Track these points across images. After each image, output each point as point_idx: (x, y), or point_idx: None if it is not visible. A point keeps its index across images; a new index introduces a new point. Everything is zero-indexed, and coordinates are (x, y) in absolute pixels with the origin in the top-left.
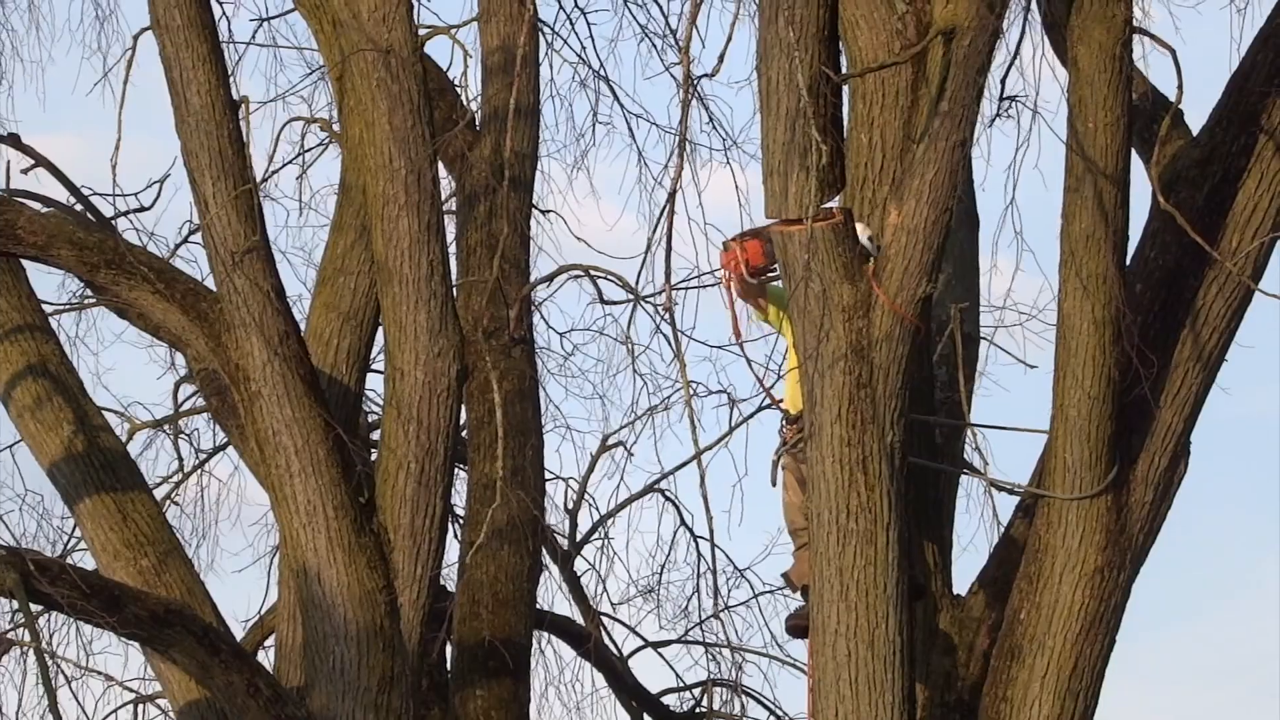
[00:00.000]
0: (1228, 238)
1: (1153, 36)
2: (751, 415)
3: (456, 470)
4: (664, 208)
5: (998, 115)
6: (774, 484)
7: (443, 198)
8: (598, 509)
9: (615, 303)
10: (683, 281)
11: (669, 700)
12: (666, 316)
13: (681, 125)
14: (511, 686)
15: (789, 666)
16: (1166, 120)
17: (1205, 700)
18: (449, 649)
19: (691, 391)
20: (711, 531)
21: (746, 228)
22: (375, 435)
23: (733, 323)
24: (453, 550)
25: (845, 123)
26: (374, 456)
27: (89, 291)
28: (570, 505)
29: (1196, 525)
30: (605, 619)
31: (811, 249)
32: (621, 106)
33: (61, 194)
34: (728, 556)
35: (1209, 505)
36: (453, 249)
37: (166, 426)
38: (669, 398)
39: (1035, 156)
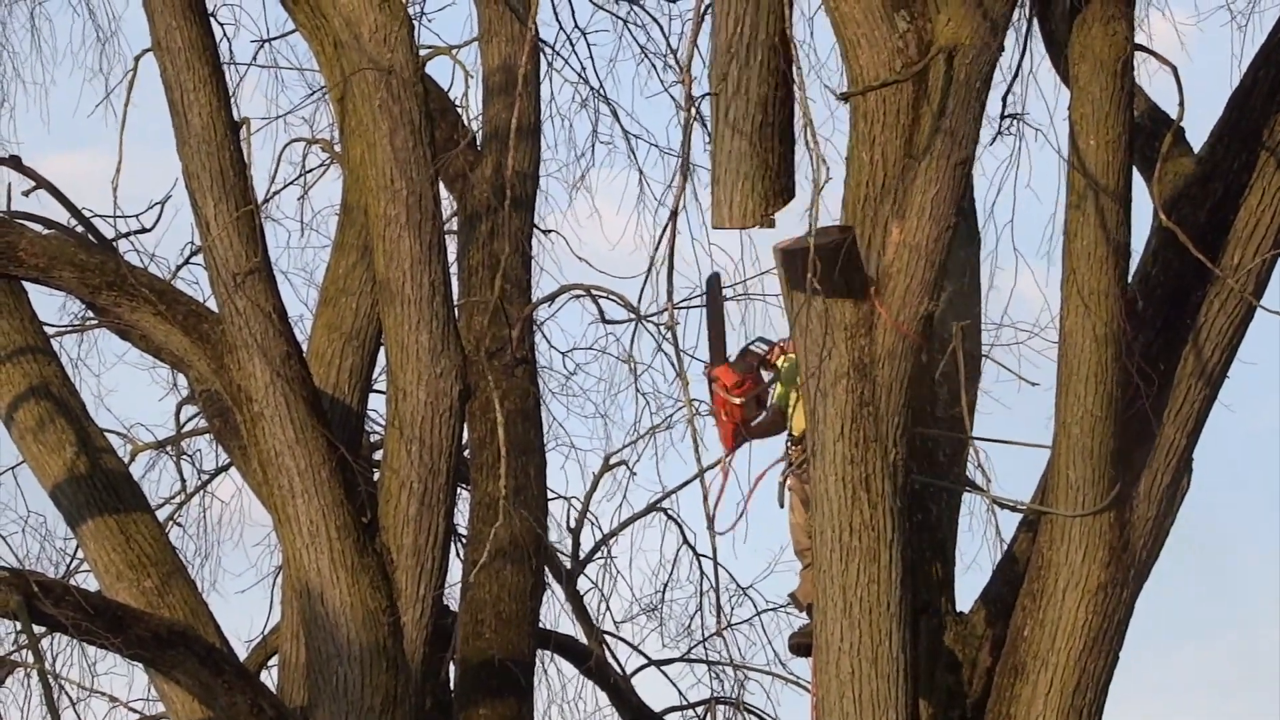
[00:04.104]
0: (1229, 254)
1: (1154, 54)
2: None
3: (459, 490)
4: (665, 226)
5: (999, 133)
6: (781, 505)
7: (444, 218)
8: (600, 528)
9: (617, 322)
10: (684, 300)
11: (672, 719)
12: (669, 336)
13: (684, 145)
14: (515, 705)
15: (792, 684)
16: (1168, 137)
17: (1210, 715)
18: (452, 668)
19: (694, 410)
20: (715, 549)
21: (705, 356)
22: (378, 455)
23: (724, 439)
24: (455, 569)
25: (847, 140)
26: (376, 476)
27: (90, 313)
28: (573, 524)
29: (1199, 541)
30: (608, 637)
31: (814, 267)
32: (622, 126)
33: (63, 215)
34: (730, 575)
35: (1212, 521)
36: (454, 269)
37: (169, 448)
38: (671, 416)
39: (1037, 174)
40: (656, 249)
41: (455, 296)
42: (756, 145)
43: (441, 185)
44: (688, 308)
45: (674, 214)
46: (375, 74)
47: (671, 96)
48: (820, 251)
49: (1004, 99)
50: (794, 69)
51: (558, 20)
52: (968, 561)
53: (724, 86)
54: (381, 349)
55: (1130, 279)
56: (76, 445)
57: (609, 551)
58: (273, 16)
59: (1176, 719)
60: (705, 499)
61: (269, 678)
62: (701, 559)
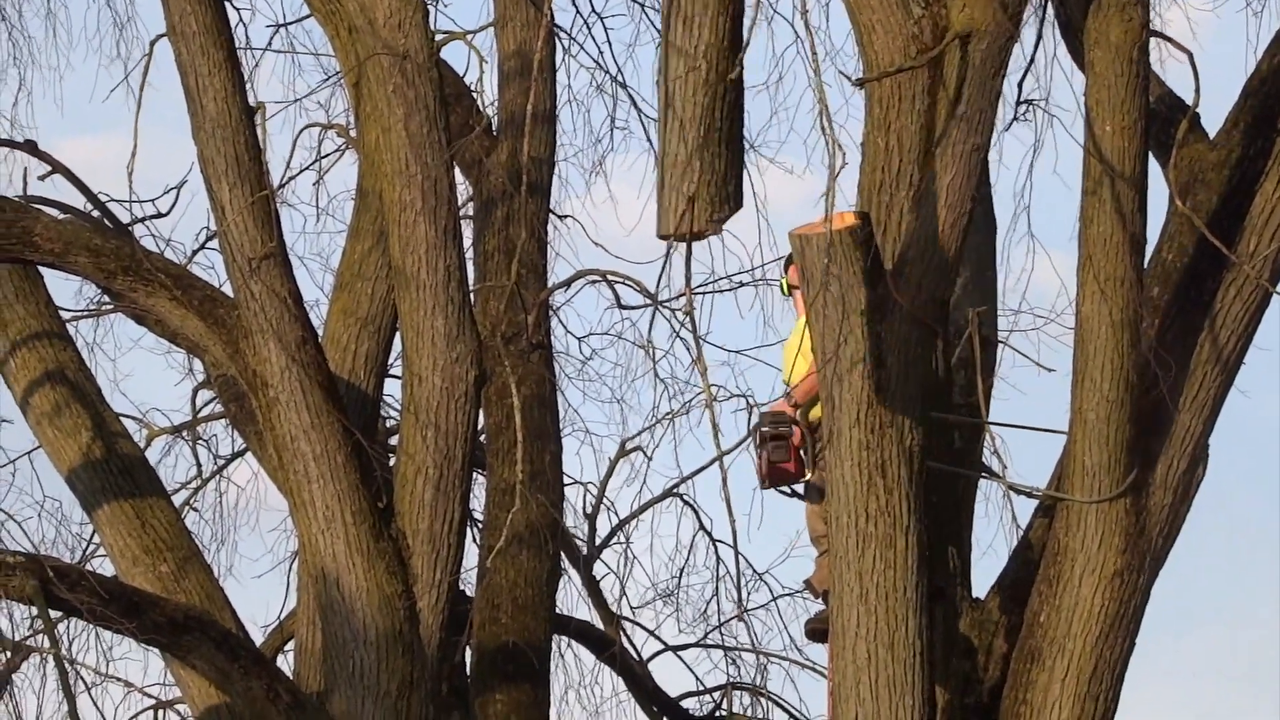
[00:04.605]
0: (1245, 240)
1: (1169, 39)
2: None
3: (475, 475)
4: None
5: (1015, 119)
6: (801, 496)
7: (460, 203)
8: (617, 513)
9: (633, 307)
10: (701, 286)
11: (689, 704)
12: (686, 321)
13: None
14: (531, 691)
15: (809, 669)
16: (1184, 123)
17: (1227, 700)
18: (469, 654)
19: (712, 395)
20: (734, 534)
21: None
22: (393, 440)
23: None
24: (472, 555)
25: (862, 127)
26: (392, 462)
27: (106, 298)
28: (589, 510)
29: (1214, 528)
30: (625, 623)
31: (830, 253)
32: (639, 111)
33: (79, 200)
34: (747, 560)
35: (1228, 508)
36: (470, 254)
37: (185, 432)
38: (690, 401)
39: (1052, 160)
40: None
41: (471, 282)
42: (703, 151)
43: (457, 171)
44: (704, 293)
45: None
46: (390, 59)
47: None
48: (835, 238)
49: (1020, 85)
50: (811, 53)
51: (574, 5)
52: (984, 548)
53: (672, 90)
54: (397, 334)
55: (1146, 265)
56: (92, 430)
57: (625, 537)
58: (288, 1)
59: (1193, 705)
60: (724, 485)
61: (285, 663)
62: (718, 544)
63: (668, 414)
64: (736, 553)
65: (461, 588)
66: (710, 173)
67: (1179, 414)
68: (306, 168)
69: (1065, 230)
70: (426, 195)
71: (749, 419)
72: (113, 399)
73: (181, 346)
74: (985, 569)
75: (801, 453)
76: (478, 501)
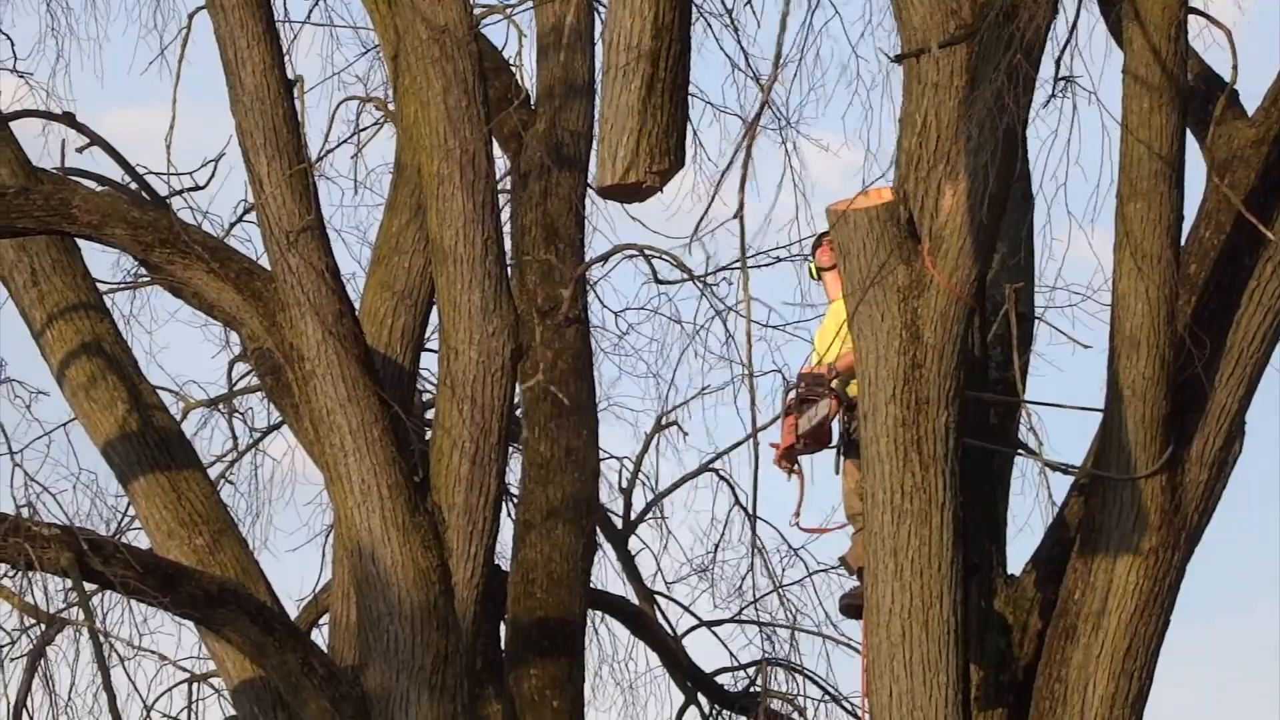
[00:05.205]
0: None
1: (1208, 17)
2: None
3: (510, 449)
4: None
5: (1053, 95)
6: (837, 472)
7: (497, 177)
8: (652, 488)
9: (670, 282)
10: (735, 262)
11: (723, 679)
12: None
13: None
14: (565, 665)
15: (844, 646)
16: (1221, 100)
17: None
18: (503, 628)
19: (749, 370)
20: (755, 502)
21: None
22: (430, 414)
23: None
24: (507, 529)
25: (900, 102)
26: (428, 435)
27: (144, 270)
28: (624, 485)
29: (1249, 507)
30: (659, 598)
31: (865, 228)
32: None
33: (116, 172)
34: (782, 535)
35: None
36: (507, 228)
37: (221, 405)
38: (737, 378)
39: (1090, 137)
40: (707, 210)
41: (508, 256)
42: (645, 99)
43: (495, 144)
44: (738, 269)
45: (743, 182)
46: (429, 32)
47: (725, 53)
48: (872, 214)
49: (1057, 61)
50: None
51: None
52: (1019, 524)
53: (616, 39)
54: (434, 308)
55: (1183, 242)
56: (128, 402)
57: (660, 512)
58: None
59: (1228, 683)
60: (756, 463)
61: (320, 636)
62: (753, 519)
63: (703, 389)
64: (753, 521)
65: (496, 562)
66: (652, 123)
67: (1215, 391)
68: (344, 141)
69: (1103, 207)
70: (464, 169)
71: (784, 395)
72: (149, 371)
73: (218, 319)
74: (1020, 546)
75: (834, 422)
76: (513, 475)
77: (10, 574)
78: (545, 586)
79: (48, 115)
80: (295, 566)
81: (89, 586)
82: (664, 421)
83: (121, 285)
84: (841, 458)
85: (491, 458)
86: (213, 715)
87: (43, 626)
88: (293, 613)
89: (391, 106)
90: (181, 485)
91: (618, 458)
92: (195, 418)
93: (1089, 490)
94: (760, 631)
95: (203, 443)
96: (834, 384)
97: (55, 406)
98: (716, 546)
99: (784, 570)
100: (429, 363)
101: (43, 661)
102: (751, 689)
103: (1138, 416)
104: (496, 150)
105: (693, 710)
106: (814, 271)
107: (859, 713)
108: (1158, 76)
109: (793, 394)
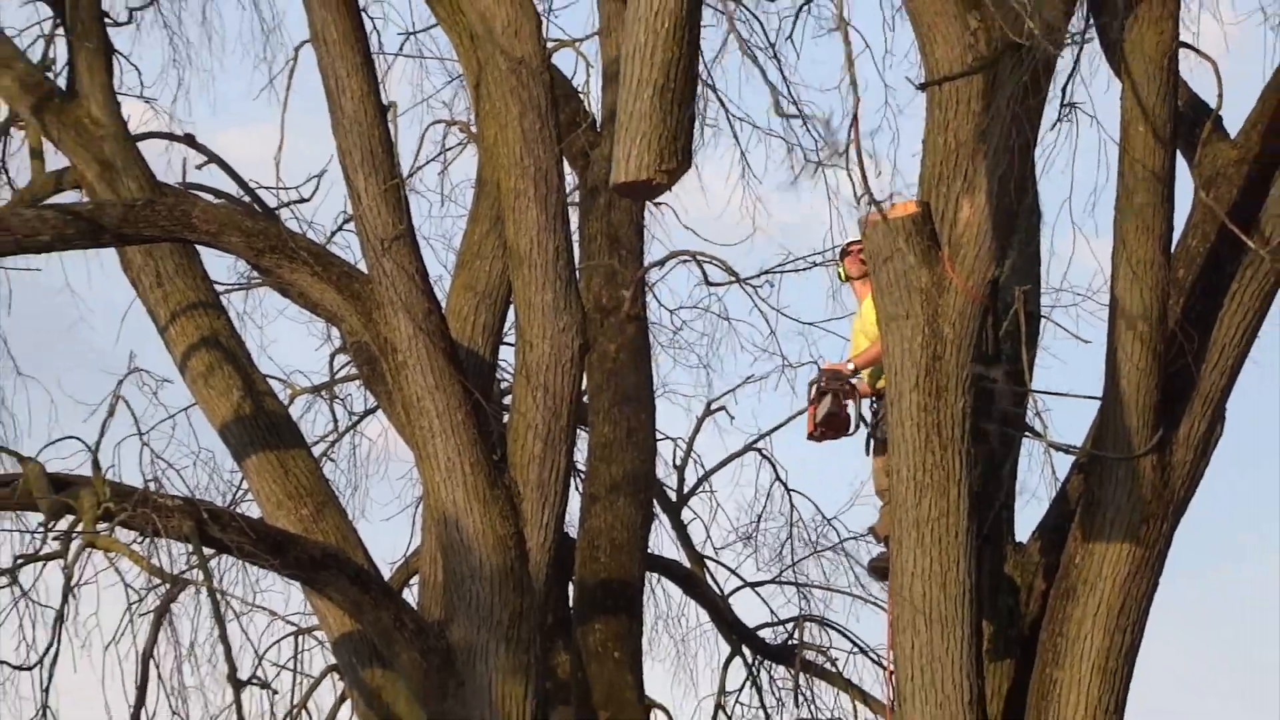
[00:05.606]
0: (1261, 229)
1: (1196, 50)
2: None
3: (578, 431)
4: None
5: (1059, 120)
6: (868, 453)
7: (567, 191)
8: (702, 465)
9: (719, 284)
10: (777, 267)
11: (765, 634)
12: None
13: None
14: (626, 621)
15: (871, 604)
16: (1208, 125)
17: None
18: (570, 588)
19: (786, 362)
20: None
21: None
22: (507, 400)
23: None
24: (575, 502)
25: (924, 125)
26: (506, 419)
27: (255, 273)
28: (678, 462)
29: (1228, 484)
30: (708, 562)
31: (894, 236)
32: (726, 111)
33: (231, 187)
34: (816, 506)
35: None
36: (575, 237)
37: (323, 392)
38: (783, 368)
39: (1091, 156)
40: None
41: (576, 261)
42: (657, 106)
43: (565, 162)
44: (780, 272)
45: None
46: (507, 63)
47: (769, 83)
48: (899, 223)
49: (1064, 90)
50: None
51: None
52: (1026, 498)
53: (632, 52)
54: (511, 307)
55: (1173, 250)
56: (242, 389)
57: (710, 486)
58: (417, 11)
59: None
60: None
61: (410, 595)
62: (791, 493)
63: (747, 378)
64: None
65: (566, 530)
66: (663, 126)
67: (1200, 381)
68: (432, 159)
69: (1102, 218)
70: (538, 184)
71: (808, 389)
72: (260, 362)
73: (321, 316)
74: (1027, 517)
75: (850, 411)
76: (580, 454)
77: (139, 540)
78: (608, 552)
79: (170, 136)
80: (388, 533)
81: (208, 551)
82: (713, 407)
83: (236, 286)
84: (871, 440)
85: (561, 438)
86: (316, 664)
87: (167, 586)
88: (386, 574)
89: (474, 129)
90: (289, 462)
91: (672, 438)
92: (301, 403)
93: (1088, 468)
94: (797, 591)
95: (307, 425)
96: (854, 379)
97: (178, 393)
98: (759, 517)
99: (819, 538)
100: (506, 355)
101: (168, 616)
102: (789, 642)
103: (1132, 403)
104: (566, 167)
105: (737, 660)
106: (842, 275)
107: (884, 663)
108: (1152, 103)
109: (814, 388)
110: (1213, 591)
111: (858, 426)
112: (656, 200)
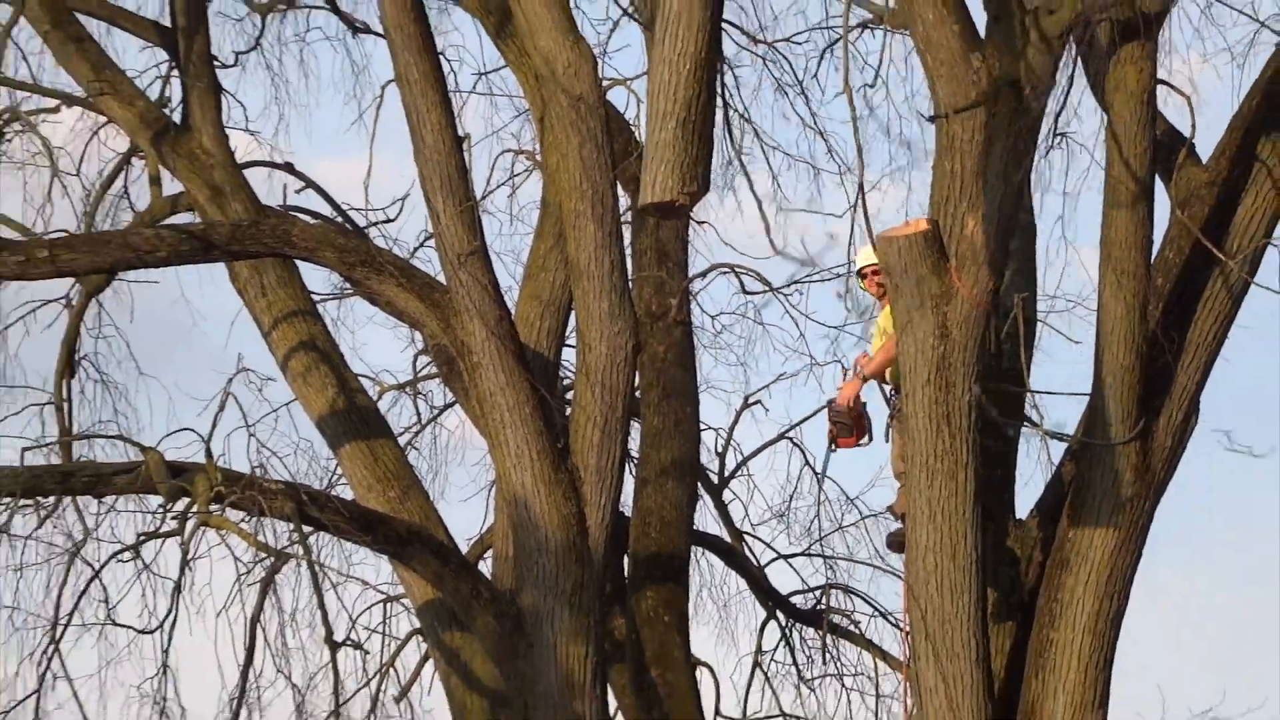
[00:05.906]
0: (1230, 242)
1: (1172, 86)
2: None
3: (631, 422)
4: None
5: (1052, 147)
6: (886, 440)
7: (620, 211)
8: (741, 452)
9: (755, 293)
10: (805, 277)
11: (796, 600)
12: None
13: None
14: (674, 590)
15: (889, 574)
16: (1183, 151)
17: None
18: (626, 561)
19: (813, 361)
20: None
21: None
22: (569, 396)
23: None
24: (629, 485)
25: (932, 154)
26: (568, 412)
27: (347, 284)
28: (719, 449)
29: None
30: (747, 537)
31: (908, 251)
32: (760, 139)
33: (326, 209)
34: (841, 488)
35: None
36: (628, 251)
37: (407, 389)
38: (811, 366)
39: (1080, 178)
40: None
41: (629, 272)
42: (679, 137)
43: (619, 186)
44: (808, 282)
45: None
46: (568, 100)
47: (800, 115)
48: (913, 239)
49: (1055, 120)
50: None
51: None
52: (1025, 480)
53: (657, 90)
54: (572, 314)
55: (1152, 262)
56: (336, 387)
57: (747, 470)
58: (488, 54)
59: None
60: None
61: (485, 567)
62: (819, 476)
63: (780, 375)
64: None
65: (621, 510)
66: (684, 154)
67: (1177, 377)
68: (502, 184)
69: (1090, 233)
70: (595, 206)
71: (844, 374)
72: (352, 363)
73: (405, 322)
74: (1026, 496)
75: (862, 422)
76: (634, 443)
77: (246, 519)
78: (658, 529)
79: (272, 165)
80: (465, 513)
81: (307, 529)
82: (749, 400)
83: (331, 296)
84: (890, 430)
85: (617, 429)
86: (402, 628)
87: (272, 560)
88: (464, 549)
89: (538, 158)
90: (377, 450)
91: (714, 428)
92: (388, 398)
93: (1079, 454)
94: (825, 562)
95: (394, 418)
96: (861, 375)
97: (280, 390)
98: (791, 497)
99: (843, 515)
100: (569, 356)
101: (272, 587)
102: (818, 607)
103: (1117, 397)
104: (620, 191)
105: (772, 624)
106: (860, 286)
107: (902, 625)
108: (1133, 133)
109: (831, 429)
110: (1193, 560)
111: (872, 437)
112: (699, 220)
